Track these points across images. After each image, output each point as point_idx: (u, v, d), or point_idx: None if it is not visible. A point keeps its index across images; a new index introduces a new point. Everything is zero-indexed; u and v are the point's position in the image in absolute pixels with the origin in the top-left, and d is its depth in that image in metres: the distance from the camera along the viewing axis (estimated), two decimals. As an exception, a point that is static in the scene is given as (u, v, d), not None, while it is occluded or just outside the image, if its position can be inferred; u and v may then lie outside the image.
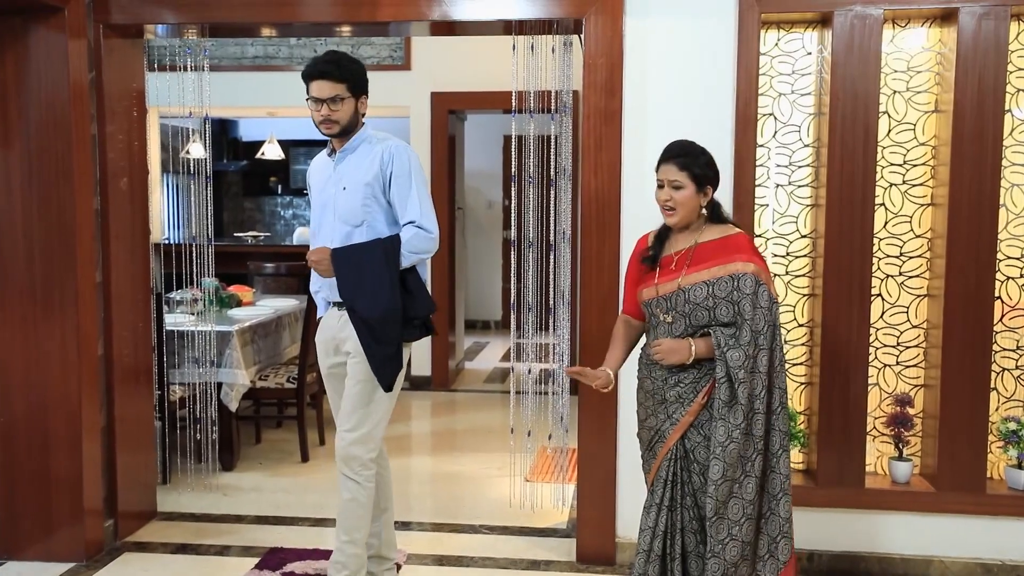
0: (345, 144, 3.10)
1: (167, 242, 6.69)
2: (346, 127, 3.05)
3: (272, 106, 7.41)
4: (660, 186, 2.66)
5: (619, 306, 3.50)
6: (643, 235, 2.84)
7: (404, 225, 3.07)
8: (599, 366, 2.79)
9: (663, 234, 2.75)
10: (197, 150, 4.35)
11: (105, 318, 3.71)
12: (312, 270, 3.24)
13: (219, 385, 4.61)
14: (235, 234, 9.07)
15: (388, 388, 3.07)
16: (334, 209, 3.10)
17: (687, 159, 2.63)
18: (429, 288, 3.22)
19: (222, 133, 9.84)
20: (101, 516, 3.70)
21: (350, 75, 3.02)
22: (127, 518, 3.85)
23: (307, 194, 11.11)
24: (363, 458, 3.09)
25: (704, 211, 2.67)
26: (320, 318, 3.28)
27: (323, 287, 3.19)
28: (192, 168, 4.31)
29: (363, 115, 3.11)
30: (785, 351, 3.60)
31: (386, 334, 3.04)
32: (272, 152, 8.54)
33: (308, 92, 3.02)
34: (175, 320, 4.67)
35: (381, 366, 3.04)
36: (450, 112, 6.67)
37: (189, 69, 4.08)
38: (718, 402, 2.55)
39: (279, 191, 10.29)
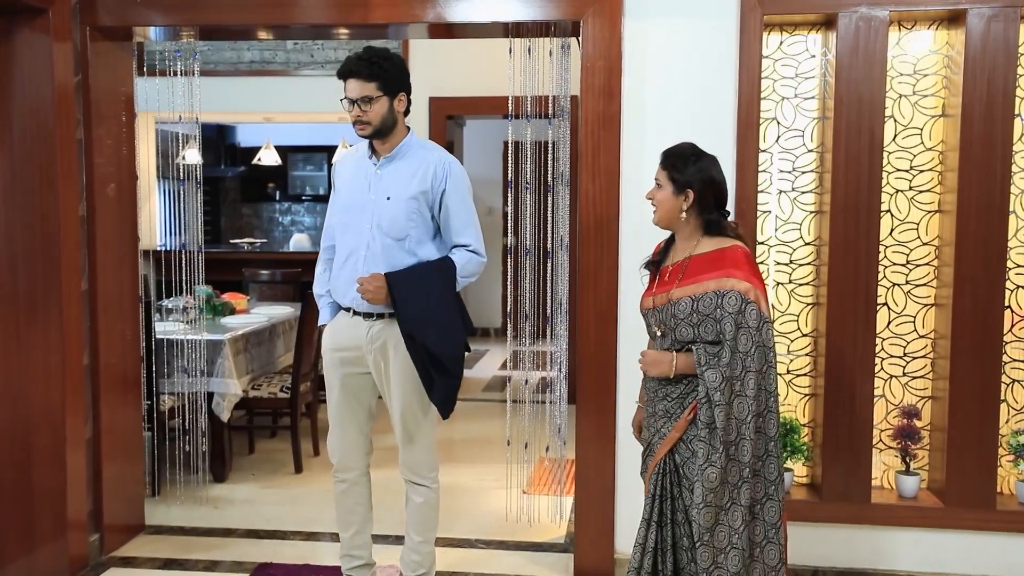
0: (391, 149, 3.00)
1: (163, 248, 6.62)
2: (380, 128, 2.94)
3: (269, 111, 7.34)
4: None
5: (617, 315, 3.42)
6: (659, 243, 2.75)
7: (455, 248, 3.01)
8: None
9: (670, 242, 2.68)
10: (193, 155, 4.28)
11: (91, 327, 3.62)
12: (317, 276, 3.18)
13: (211, 395, 4.53)
14: (231, 240, 8.99)
15: (447, 416, 2.97)
16: (372, 218, 2.98)
17: (672, 159, 2.58)
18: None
19: (220, 139, 9.76)
20: (86, 530, 3.61)
21: (381, 73, 2.90)
22: (113, 532, 3.76)
23: (304, 198, 10.98)
24: (429, 462, 3.10)
25: (684, 216, 2.54)
26: (324, 325, 3.17)
27: (341, 292, 3.05)
28: (182, 174, 4.24)
29: (401, 113, 2.97)
30: (788, 361, 3.53)
31: (456, 366, 2.94)
32: (269, 158, 8.47)
33: (344, 92, 2.95)
34: (166, 328, 4.58)
35: (445, 397, 2.94)
36: (448, 117, 6.60)
37: (182, 73, 4.00)
38: (699, 422, 2.46)
39: (277, 197, 10.22)
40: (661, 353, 2.55)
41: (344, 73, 2.92)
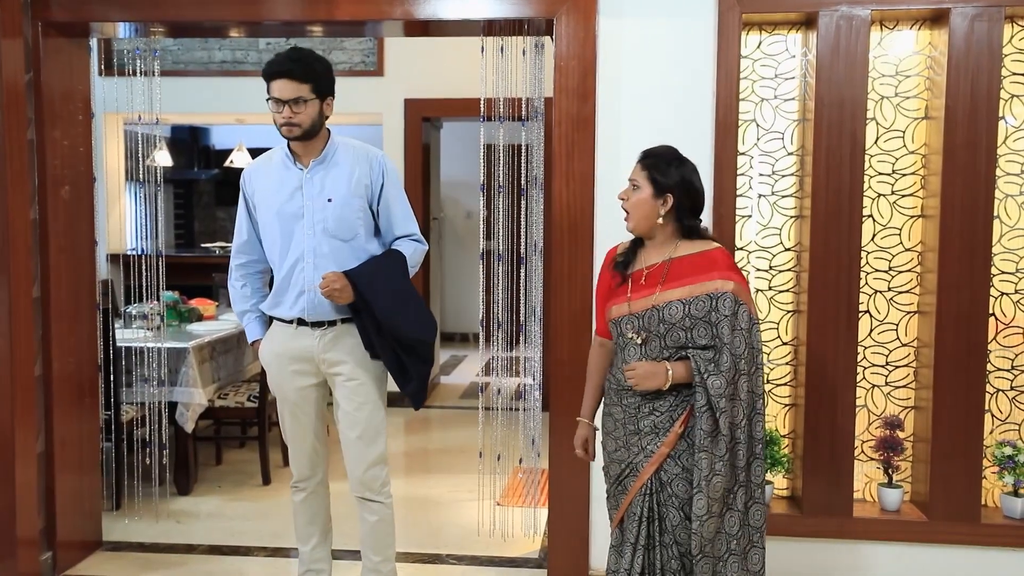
0: (319, 152, 2.89)
1: (132, 253, 6.45)
2: (308, 131, 2.84)
3: (241, 112, 7.18)
4: None
5: (592, 322, 3.30)
6: (613, 246, 2.65)
7: (400, 239, 3.01)
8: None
9: (637, 244, 2.55)
10: (164, 158, 4.15)
11: (44, 335, 3.47)
12: (235, 289, 3.09)
13: (175, 404, 4.38)
14: (203, 244, 8.82)
15: (419, 406, 3.04)
16: (314, 223, 2.87)
17: (653, 160, 2.47)
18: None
19: (193, 141, 9.58)
20: (38, 548, 3.45)
21: (314, 75, 2.81)
22: (68, 549, 3.60)
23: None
24: (383, 477, 3.02)
25: (661, 220, 2.45)
26: (256, 341, 3.07)
27: (287, 303, 2.92)
28: (144, 176, 4.09)
29: (327, 118, 2.90)
30: (768, 371, 3.43)
31: (429, 353, 3.00)
32: (241, 160, 8.30)
33: (269, 92, 2.81)
34: (124, 336, 4.42)
35: (420, 387, 2.96)
36: (424, 119, 6.47)
37: (145, 72, 3.86)
38: (700, 432, 2.35)
39: (252, 200, 10.04)
40: (653, 364, 2.41)
41: (276, 73, 2.78)
